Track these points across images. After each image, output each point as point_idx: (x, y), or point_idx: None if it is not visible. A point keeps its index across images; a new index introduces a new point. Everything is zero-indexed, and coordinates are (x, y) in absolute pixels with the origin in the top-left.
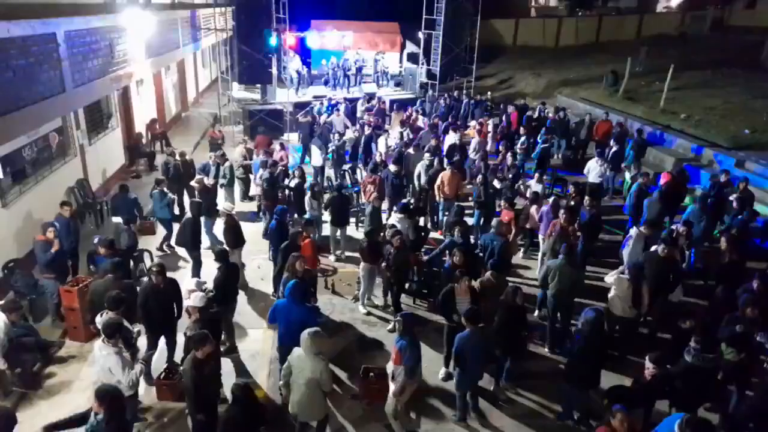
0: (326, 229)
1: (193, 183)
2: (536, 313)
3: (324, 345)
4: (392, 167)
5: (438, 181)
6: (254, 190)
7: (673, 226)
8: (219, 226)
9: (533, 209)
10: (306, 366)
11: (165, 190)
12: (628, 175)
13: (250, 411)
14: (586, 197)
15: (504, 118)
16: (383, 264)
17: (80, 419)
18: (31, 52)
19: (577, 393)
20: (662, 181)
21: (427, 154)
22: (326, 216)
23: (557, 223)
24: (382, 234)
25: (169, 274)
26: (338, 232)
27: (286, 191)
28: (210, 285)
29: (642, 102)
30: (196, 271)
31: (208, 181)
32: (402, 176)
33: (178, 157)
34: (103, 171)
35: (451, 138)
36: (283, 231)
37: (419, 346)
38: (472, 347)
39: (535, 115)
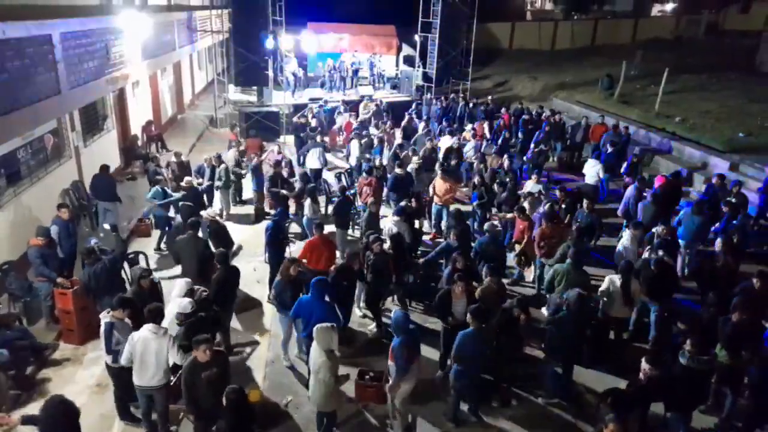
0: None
1: (183, 183)
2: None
3: (330, 340)
4: (398, 170)
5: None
6: (248, 194)
7: (654, 229)
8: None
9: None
10: (315, 356)
11: (167, 189)
12: (628, 180)
13: (244, 415)
14: (585, 201)
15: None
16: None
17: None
18: (27, 53)
19: (557, 370)
20: (656, 184)
21: (415, 158)
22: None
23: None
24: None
25: (166, 274)
26: (343, 236)
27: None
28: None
29: (637, 105)
30: None
31: (197, 181)
32: (409, 179)
33: (174, 158)
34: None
35: (448, 141)
36: (280, 233)
37: (414, 346)
38: (474, 346)
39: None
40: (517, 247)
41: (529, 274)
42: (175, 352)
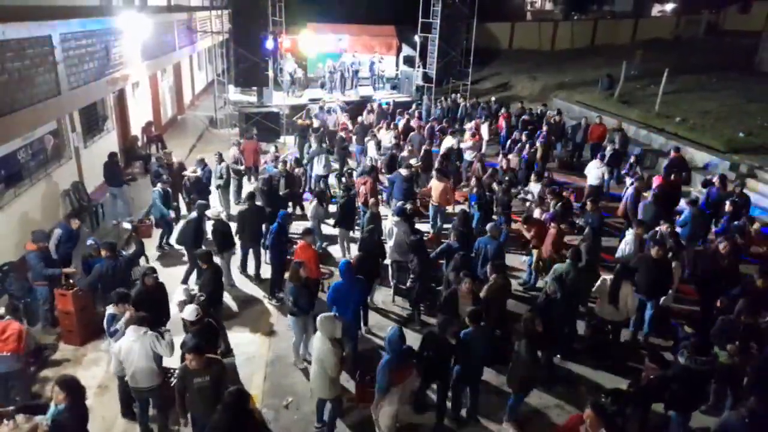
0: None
1: (187, 172)
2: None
3: (334, 328)
4: (403, 171)
5: (428, 187)
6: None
7: (657, 228)
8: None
9: (536, 212)
10: (318, 345)
11: (168, 189)
12: (629, 181)
13: (242, 419)
14: (589, 201)
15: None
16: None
17: (34, 407)
18: (27, 54)
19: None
20: (655, 184)
21: (413, 160)
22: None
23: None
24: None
25: (167, 272)
26: (346, 236)
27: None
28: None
29: (637, 105)
30: (192, 269)
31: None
32: (413, 179)
33: (167, 158)
34: (99, 174)
35: (449, 141)
36: (284, 235)
37: (402, 368)
38: (474, 345)
39: (526, 117)
40: (535, 252)
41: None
42: (164, 347)
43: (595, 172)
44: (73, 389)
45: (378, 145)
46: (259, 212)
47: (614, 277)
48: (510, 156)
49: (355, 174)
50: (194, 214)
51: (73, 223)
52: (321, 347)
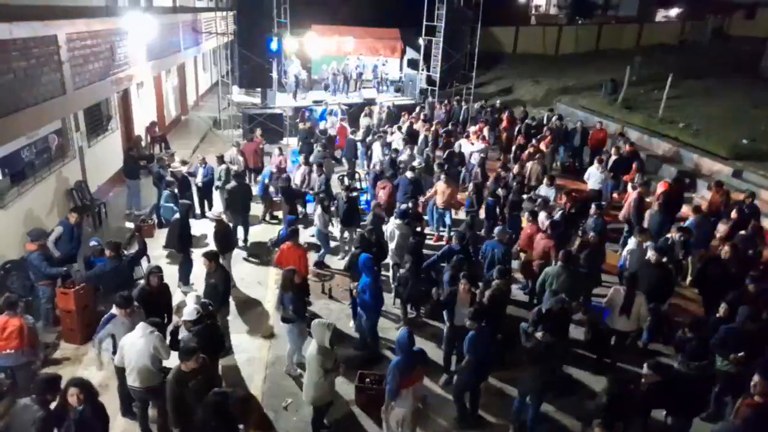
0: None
1: (170, 169)
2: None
3: (323, 336)
4: (408, 173)
5: (433, 190)
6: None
7: (669, 235)
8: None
9: (542, 216)
10: (309, 349)
11: (176, 191)
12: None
13: (218, 422)
14: (593, 205)
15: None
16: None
17: (58, 419)
18: (33, 53)
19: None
20: (659, 190)
21: (416, 162)
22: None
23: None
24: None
25: (170, 272)
26: (346, 233)
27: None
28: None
29: (641, 110)
30: (185, 272)
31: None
32: (418, 183)
33: (167, 160)
34: (102, 173)
35: (456, 145)
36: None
37: (411, 370)
38: (479, 348)
39: (529, 122)
40: (523, 256)
41: None
42: (165, 350)
43: (596, 176)
44: (89, 388)
45: (388, 146)
46: (246, 189)
47: (628, 290)
48: (530, 163)
49: (361, 176)
50: (177, 215)
51: (71, 217)
52: (310, 351)
